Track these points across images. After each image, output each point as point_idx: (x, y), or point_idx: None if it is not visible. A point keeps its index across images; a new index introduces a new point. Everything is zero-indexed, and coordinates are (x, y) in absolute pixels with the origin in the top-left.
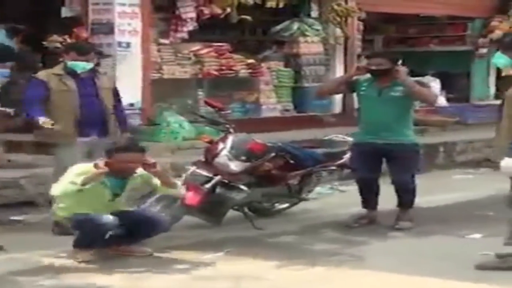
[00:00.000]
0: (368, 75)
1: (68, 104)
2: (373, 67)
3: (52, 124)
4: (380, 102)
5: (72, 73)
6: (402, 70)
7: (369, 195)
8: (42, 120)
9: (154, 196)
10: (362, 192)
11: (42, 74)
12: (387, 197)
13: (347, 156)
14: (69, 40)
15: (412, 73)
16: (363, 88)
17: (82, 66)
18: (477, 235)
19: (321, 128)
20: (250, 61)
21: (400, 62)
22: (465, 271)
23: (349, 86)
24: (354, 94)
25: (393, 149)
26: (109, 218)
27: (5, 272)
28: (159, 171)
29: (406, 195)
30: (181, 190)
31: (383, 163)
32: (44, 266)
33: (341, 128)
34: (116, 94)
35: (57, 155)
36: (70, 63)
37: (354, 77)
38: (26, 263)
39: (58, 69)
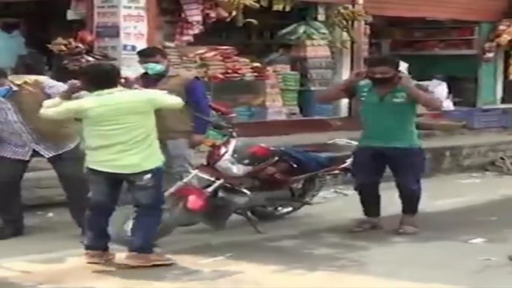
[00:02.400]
0: (367, 81)
1: None
2: (378, 75)
3: None
4: (382, 108)
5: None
6: (405, 76)
7: (369, 203)
8: None
9: None
10: (362, 199)
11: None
12: (391, 202)
13: (350, 160)
14: (73, 43)
15: (419, 77)
16: (364, 94)
17: (150, 67)
18: (480, 240)
19: (326, 132)
20: (256, 64)
21: (401, 66)
22: (466, 277)
23: (348, 91)
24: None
25: (397, 154)
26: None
27: (2, 276)
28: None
29: (410, 199)
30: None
31: (386, 168)
32: (41, 270)
33: (346, 132)
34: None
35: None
36: (142, 66)
37: (354, 83)
38: (23, 267)
39: None
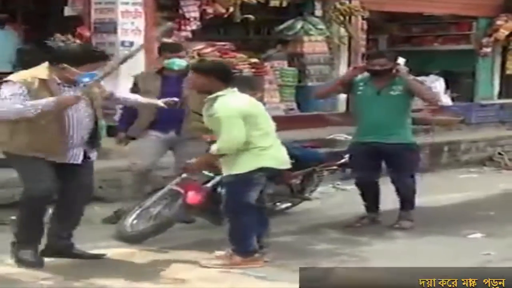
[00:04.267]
0: (365, 75)
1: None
2: (377, 67)
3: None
4: (378, 101)
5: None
6: (403, 68)
7: (370, 197)
8: None
9: (156, 194)
10: (363, 194)
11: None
12: (388, 197)
13: (348, 155)
14: (72, 39)
15: (417, 72)
16: (360, 88)
17: (177, 63)
18: (479, 235)
19: (324, 128)
20: (254, 60)
21: (399, 60)
22: None
23: (346, 86)
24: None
25: (391, 149)
26: None
27: (5, 272)
28: None
29: (406, 195)
30: None
31: (382, 163)
32: (44, 266)
33: (344, 128)
34: None
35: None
36: (166, 62)
37: (352, 77)
38: None
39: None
